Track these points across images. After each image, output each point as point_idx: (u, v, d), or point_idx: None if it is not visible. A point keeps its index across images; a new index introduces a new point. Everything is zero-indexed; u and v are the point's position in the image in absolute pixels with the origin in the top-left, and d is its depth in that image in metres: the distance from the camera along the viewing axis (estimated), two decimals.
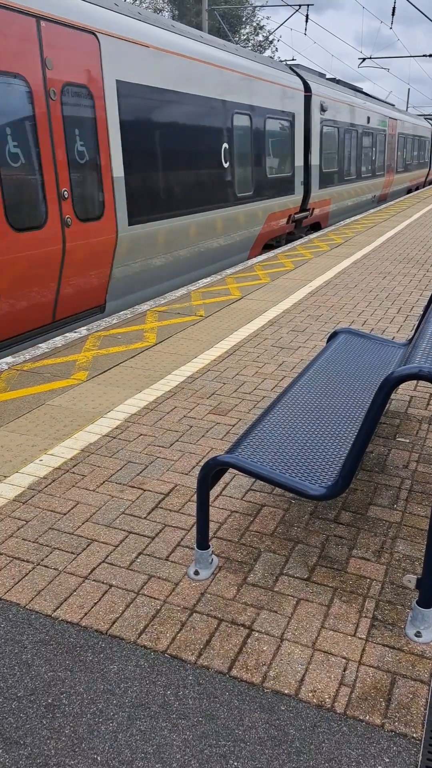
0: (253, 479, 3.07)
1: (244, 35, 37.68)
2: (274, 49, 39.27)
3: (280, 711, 1.81)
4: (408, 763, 1.67)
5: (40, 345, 5.19)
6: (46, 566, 2.43)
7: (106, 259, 6.39)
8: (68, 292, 5.93)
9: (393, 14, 22.57)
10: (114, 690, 1.88)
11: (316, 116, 12.72)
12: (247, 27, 37.91)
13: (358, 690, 1.88)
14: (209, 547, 2.38)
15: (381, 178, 19.71)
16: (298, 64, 16.52)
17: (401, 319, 5.99)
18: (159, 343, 5.22)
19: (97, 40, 5.97)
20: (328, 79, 17.86)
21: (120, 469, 3.16)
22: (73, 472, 3.13)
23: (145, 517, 2.75)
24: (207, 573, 2.37)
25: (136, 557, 2.48)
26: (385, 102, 22.23)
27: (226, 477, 3.09)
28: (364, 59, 29.52)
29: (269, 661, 1.98)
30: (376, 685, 1.90)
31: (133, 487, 3.00)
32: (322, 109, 13.01)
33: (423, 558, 2.46)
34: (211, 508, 2.83)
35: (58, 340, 5.30)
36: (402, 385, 4.32)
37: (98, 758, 1.68)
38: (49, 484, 3.02)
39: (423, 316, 3.51)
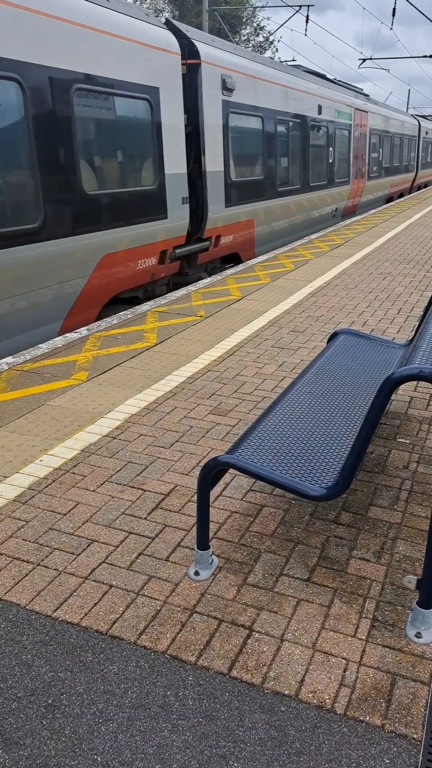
0: (254, 480, 3.07)
1: (244, 36, 37.69)
2: (274, 49, 39.28)
3: (280, 712, 1.81)
4: (408, 764, 1.67)
5: (40, 345, 5.19)
6: (46, 566, 2.42)
7: None
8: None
9: (393, 15, 22.58)
10: (114, 690, 1.88)
11: (212, 97, 8.27)
12: (248, 27, 37.93)
13: (358, 691, 1.88)
14: (209, 547, 2.38)
15: (344, 187, 15.32)
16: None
17: (401, 319, 5.99)
18: (159, 344, 5.22)
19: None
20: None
21: (120, 469, 3.16)
22: (74, 473, 3.13)
23: (145, 518, 2.75)
24: (207, 573, 2.37)
25: (137, 558, 2.48)
26: (355, 89, 17.99)
27: (227, 477, 3.09)
28: (364, 60, 29.53)
29: (269, 662, 1.98)
30: (377, 686, 1.90)
31: (134, 487, 3.00)
32: (226, 88, 8.58)
33: (423, 559, 2.46)
34: (211, 508, 2.83)
35: (59, 341, 5.30)
36: (402, 386, 4.32)
37: (98, 759, 1.68)
38: (50, 484, 3.02)
39: (423, 316, 3.51)
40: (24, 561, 2.46)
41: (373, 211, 16.76)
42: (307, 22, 22.87)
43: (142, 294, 7.56)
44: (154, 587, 2.31)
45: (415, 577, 2.20)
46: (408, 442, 3.47)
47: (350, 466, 2.13)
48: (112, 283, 6.64)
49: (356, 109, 16.05)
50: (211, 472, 2.27)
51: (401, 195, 24.39)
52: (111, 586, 2.32)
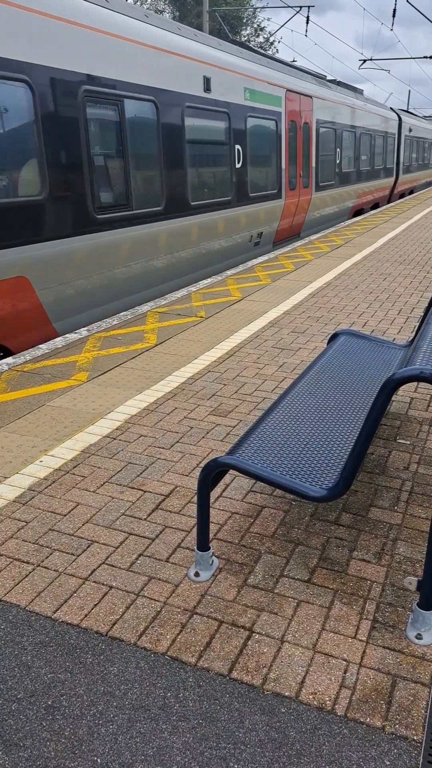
0: (254, 481, 3.07)
1: (245, 36, 37.70)
2: (275, 50, 39.30)
3: (280, 713, 1.81)
4: (408, 765, 1.66)
5: (40, 346, 5.19)
6: (46, 567, 2.42)
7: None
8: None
9: (394, 16, 22.59)
10: (114, 692, 1.88)
11: None
12: (248, 28, 37.95)
13: (358, 692, 1.88)
14: (210, 548, 2.38)
15: (272, 203, 10.63)
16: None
17: (402, 320, 5.99)
18: (159, 344, 5.22)
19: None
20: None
21: (120, 470, 3.16)
22: (74, 473, 3.12)
23: (145, 519, 2.74)
24: (207, 574, 2.36)
25: (137, 559, 2.47)
26: (315, 74, 14.40)
27: (227, 478, 3.09)
28: (364, 61, 29.54)
29: (270, 663, 1.98)
30: (377, 687, 1.90)
31: (134, 488, 3.00)
32: None
33: (424, 560, 2.46)
34: (211, 509, 2.83)
35: (59, 341, 5.30)
36: (403, 387, 4.32)
37: (98, 760, 1.67)
38: (50, 485, 3.02)
39: (423, 317, 3.51)
40: (24, 562, 2.46)
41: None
42: (307, 22, 22.89)
43: None
44: (155, 588, 2.31)
45: (416, 579, 2.20)
46: (408, 443, 3.47)
47: (351, 467, 2.13)
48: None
49: (290, 91, 10.86)
50: (212, 473, 2.27)
51: (376, 206, 19.59)
52: (111, 587, 2.32)
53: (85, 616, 2.17)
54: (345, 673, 1.95)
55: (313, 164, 12.75)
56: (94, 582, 2.34)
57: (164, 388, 4.24)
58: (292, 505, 2.86)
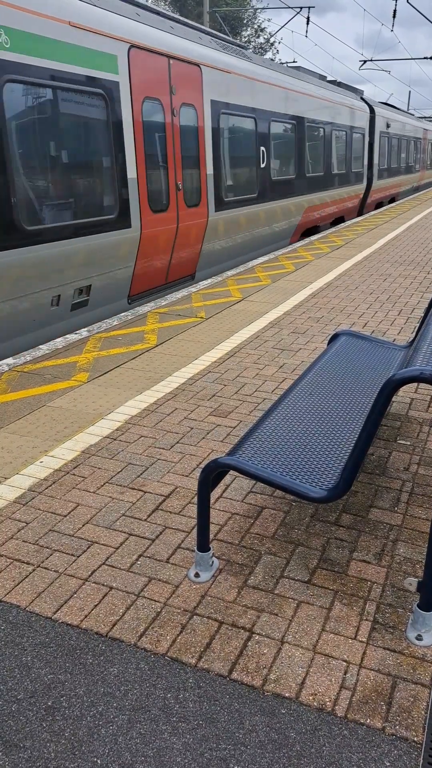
0: (254, 481, 3.06)
1: (245, 37, 37.72)
2: (275, 51, 39.32)
3: (280, 714, 1.81)
4: (409, 766, 1.66)
5: (40, 347, 5.19)
6: (46, 568, 2.42)
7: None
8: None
9: (394, 16, 22.60)
10: (114, 693, 1.88)
11: None
12: (248, 29, 37.96)
13: (358, 693, 1.88)
14: (210, 549, 2.38)
15: (108, 237, 6.19)
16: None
17: (402, 321, 5.99)
18: (160, 345, 5.22)
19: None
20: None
21: (120, 470, 3.16)
22: (74, 474, 3.12)
23: (145, 519, 2.74)
24: (207, 575, 2.36)
25: (137, 559, 2.47)
26: (213, 35, 9.45)
27: (227, 479, 3.09)
28: (365, 62, 29.54)
29: (270, 664, 1.98)
30: (377, 688, 1.89)
31: (134, 488, 2.99)
32: None
33: (424, 561, 2.46)
34: (211, 510, 2.82)
35: (59, 342, 5.30)
36: (403, 388, 4.32)
37: (98, 761, 1.67)
38: (50, 485, 3.02)
39: (424, 318, 3.51)
40: (24, 562, 2.46)
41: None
42: (307, 23, 22.89)
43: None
44: (155, 589, 2.31)
45: (416, 580, 2.20)
46: (409, 443, 3.47)
47: (351, 467, 2.13)
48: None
49: (143, 50, 6.61)
50: (212, 474, 2.27)
51: (339, 220, 15.59)
52: (111, 587, 2.32)
53: (85, 616, 2.17)
54: (345, 674, 1.94)
55: (208, 170, 8.28)
56: (95, 583, 2.34)
57: (164, 389, 4.24)
58: (293, 505, 2.86)
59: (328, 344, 3.81)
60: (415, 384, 4.38)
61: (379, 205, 20.36)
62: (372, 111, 17.58)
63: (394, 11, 22.63)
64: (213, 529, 2.68)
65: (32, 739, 1.74)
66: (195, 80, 7.82)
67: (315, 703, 1.84)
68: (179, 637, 2.08)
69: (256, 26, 38.23)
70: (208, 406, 3.97)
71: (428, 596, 2.05)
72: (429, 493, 2.97)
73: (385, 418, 3.80)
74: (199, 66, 7.90)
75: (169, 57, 7.17)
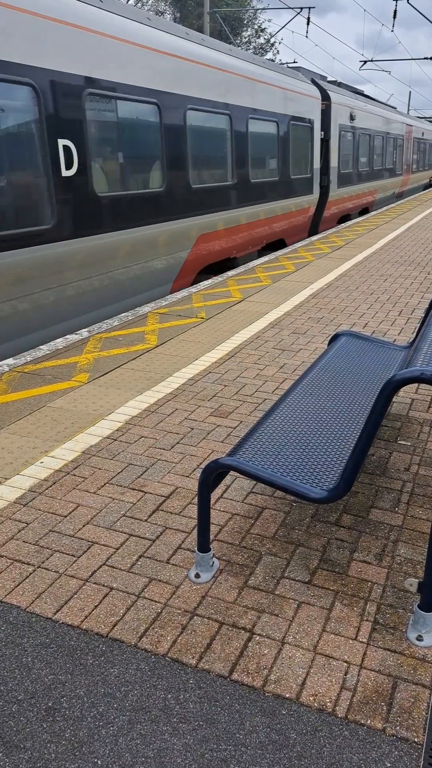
0: (254, 482, 3.06)
1: (245, 38, 37.74)
2: (275, 51, 39.34)
3: (281, 715, 1.81)
4: (409, 767, 1.66)
5: (41, 347, 5.19)
6: (46, 569, 2.42)
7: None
8: None
9: (394, 17, 22.60)
10: (114, 693, 1.88)
11: None
12: (249, 29, 37.98)
13: (359, 694, 1.87)
14: (210, 549, 2.37)
15: None
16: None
17: (402, 321, 5.98)
18: (160, 345, 5.22)
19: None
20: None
21: (121, 471, 3.16)
22: (74, 475, 3.12)
23: (145, 520, 2.74)
24: (208, 576, 2.36)
25: (137, 560, 2.47)
26: None
27: (227, 480, 3.09)
28: (365, 62, 29.55)
29: (270, 665, 1.98)
30: (378, 689, 1.89)
31: (134, 489, 2.99)
32: None
33: (425, 561, 2.46)
34: (212, 510, 2.82)
35: (59, 342, 5.30)
36: (403, 388, 4.32)
37: (99, 762, 1.67)
38: (50, 486, 3.02)
39: (424, 318, 3.51)
40: (24, 563, 2.45)
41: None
42: (308, 24, 22.90)
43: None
44: (155, 590, 2.31)
45: (417, 580, 2.20)
46: (409, 444, 3.46)
47: (351, 468, 2.13)
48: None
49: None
50: (212, 475, 2.27)
51: (277, 245, 11.63)
52: (111, 588, 2.31)
53: (86, 617, 2.17)
54: (346, 674, 1.94)
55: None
56: (95, 583, 2.34)
57: (165, 389, 4.24)
58: (293, 506, 2.86)
59: (329, 345, 3.81)
60: (416, 384, 4.38)
61: (344, 218, 16.02)
62: (326, 98, 13.15)
63: (395, 12, 22.64)
64: (213, 529, 2.68)
65: (32, 740, 1.73)
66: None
67: (315, 704, 1.84)
68: (180, 638, 2.08)
69: (256, 27, 38.24)
70: (209, 406, 3.96)
71: (429, 597, 2.04)
72: (429, 493, 2.97)
73: (385, 419, 3.80)
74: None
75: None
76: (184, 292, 7.18)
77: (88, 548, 2.55)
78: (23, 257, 5.27)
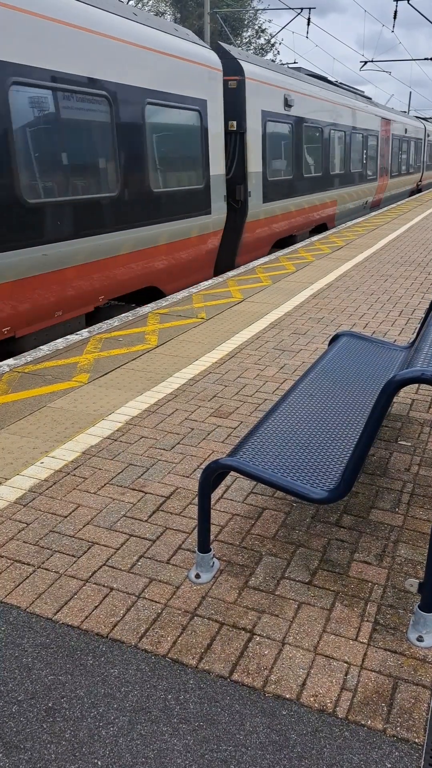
0: (255, 482, 3.06)
1: (246, 38, 37.75)
2: (276, 52, 39.36)
3: (281, 716, 1.81)
4: None
5: (41, 347, 5.19)
6: (46, 569, 2.42)
7: None
8: None
9: (395, 18, 22.60)
10: (115, 694, 1.88)
11: None
12: (249, 30, 38.00)
13: (359, 695, 1.87)
14: (210, 550, 2.37)
15: None
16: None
17: (403, 321, 5.98)
18: (160, 346, 5.22)
19: None
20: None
21: (121, 471, 3.16)
22: (74, 475, 3.12)
23: (146, 520, 2.74)
24: (208, 576, 2.36)
25: (137, 560, 2.47)
26: None
27: (228, 480, 3.09)
28: (365, 62, 29.56)
29: (270, 666, 1.97)
30: (378, 689, 1.89)
31: (134, 489, 2.99)
32: None
33: (425, 562, 2.46)
34: (212, 511, 2.82)
35: (60, 342, 5.30)
36: (404, 389, 4.31)
37: (99, 763, 1.67)
38: (50, 486, 3.02)
39: (425, 319, 3.51)
40: (25, 563, 2.45)
41: (374, 213, 14.97)
42: (308, 24, 22.91)
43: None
44: (155, 590, 2.30)
45: (417, 581, 2.20)
46: (409, 444, 3.46)
47: (352, 468, 2.13)
48: None
49: None
50: (213, 475, 2.27)
51: (147, 295, 7.67)
52: (112, 588, 2.31)
53: (86, 617, 2.17)
54: (346, 675, 1.94)
55: None
56: (95, 584, 2.34)
57: (165, 390, 4.24)
58: (293, 506, 2.85)
59: (329, 345, 3.81)
60: (416, 385, 4.37)
61: (285, 242, 12.11)
62: (235, 71, 9.15)
63: (395, 12, 22.62)
64: (214, 530, 2.68)
65: (33, 741, 1.73)
66: None
67: (316, 705, 1.84)
68: (180, 638, 2.08)
69: (256, 27, 38.26)
70: (209, 406, 3.96)
71: (429, 597, 2.04)
72: (430, 494, 2.97)
73: (385, 419, 3.80)
74: None
75: None
76: (184, 293, 7.18)
77: (89, 549, 2.54)
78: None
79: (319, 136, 12.96)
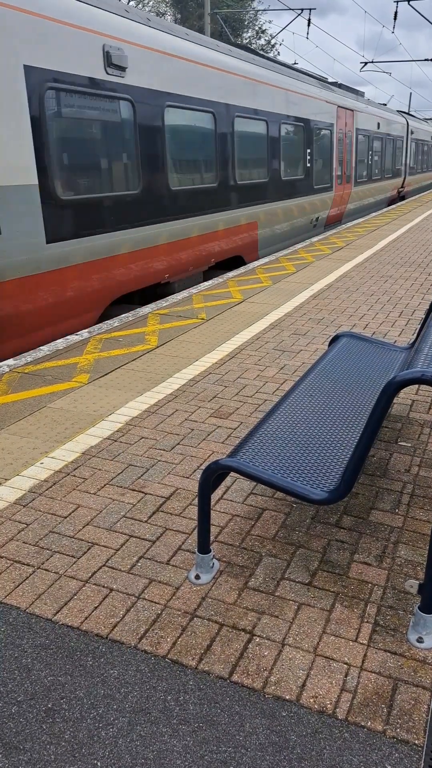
0: (255, 483, 3.06)
1: (246, 39, 37.75)
2: (276, 53, 39.37)
3: (281, 717, 1.80)
4: None
5: (41, 347, 5.19)
6: (46, 570, 2.42)
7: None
8: None
9: (395, 18, 22.61)
10: (114, 695, 1.87)
11: None
12: (250, 31, 38.00)
13: (359, 696, 1.87)
14: (210, 551, 2.37)
15: None
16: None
17: (403, 322, 5.98)
18: (160, 346, 5.22)
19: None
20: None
21: (121, 472, 3.16)
22: (74, 475, 3.12)
23: (146, 521, 2.74)
24: (208, 577, 2.36)
25: (137, 561, 2.47)
26: None
27: (228, 481, 3.08)
28: (366, 63, 29.57)
29: (270, 667, 1.97)
30: (378, 691, 1.89)
31: (134, 490, 2.99)
32: None
33: (425, 563, 2.45)
34: (212, 512, 2.82)
35: (60, 343, 5.30)
36: (404, 389, 4.31)
37: (98, 764, 1.67)
38: (50, 487, 3.02)
39: (425, 319, 3.51)
40: (24, 564, 2.45)
41: (374, 214, 15.39)
42: (308, 25, 22.91)
43: None
44: (155, 591, 2.30)
45: (417, 582, 2.20)
46: (410, 445, 3.46)
47: (352, 469, 2.13)
48: None
49: None
50: (212, 476, 2.27)
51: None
52: (111, 589, 2.31)
53: (86, 618, 2.17)
54: (346, 676, 1.94)
55: None
56: (95, 584, 2.34)
57: (165, 390, 4.24)
58: (293, 507, 2.85)
59: (329, 346, 3.81)
60: (417, 386, 4.37)
61: (124, 299, 7.70)
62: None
63: (395, 13, 22.64)
64: (213, 530, 2.68)
65: (32, 742, 1.73)
66: None
67: (316, 706, 1.84)
68: (180, 639, 2.08)
69: (257, 28, 38.26)
70: (209, 407, 3.96)
71: (429, 598, 2.04)
72: (430, 495, 2.96)
73: (385, 420, 3.79)
74: None
75: None
76: (184, 293, 7.18)
77: (88, 549, 2.54)
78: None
79: (212, 126, 8.27)
